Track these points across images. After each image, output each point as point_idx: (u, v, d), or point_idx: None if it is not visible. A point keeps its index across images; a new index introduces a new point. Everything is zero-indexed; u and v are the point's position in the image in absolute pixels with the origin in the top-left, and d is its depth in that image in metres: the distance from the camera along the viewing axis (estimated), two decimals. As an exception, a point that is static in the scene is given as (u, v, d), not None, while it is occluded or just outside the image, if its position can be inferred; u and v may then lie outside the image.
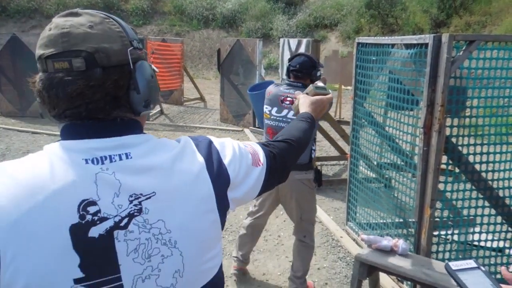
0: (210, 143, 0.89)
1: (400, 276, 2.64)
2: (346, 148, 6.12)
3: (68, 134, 0.76)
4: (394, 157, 3.15)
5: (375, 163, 3.47)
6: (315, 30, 17.03)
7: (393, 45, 3.07)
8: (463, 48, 2.50)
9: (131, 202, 0.74)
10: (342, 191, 4.93)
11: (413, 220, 2.81)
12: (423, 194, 2.64)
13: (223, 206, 0.85)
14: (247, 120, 8.33)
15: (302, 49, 4.92)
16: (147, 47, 8.86)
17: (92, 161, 0.73)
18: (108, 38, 0.75)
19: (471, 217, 2.75)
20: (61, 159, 0.72)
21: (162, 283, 0.77)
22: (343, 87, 9.22)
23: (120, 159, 0.75)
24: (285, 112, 2.65)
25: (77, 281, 0.69)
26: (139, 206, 0.74)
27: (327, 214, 4.25)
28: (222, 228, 0.87)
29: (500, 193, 2.78)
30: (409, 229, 2.89)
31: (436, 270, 2.39)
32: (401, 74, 2.98)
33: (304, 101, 1.30)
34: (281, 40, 5.72)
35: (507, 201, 2.80)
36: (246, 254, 2.99)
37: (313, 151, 2.75)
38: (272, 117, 2.70)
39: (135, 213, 0.74)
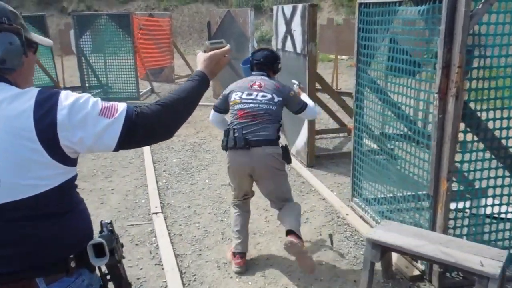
0: (56, 93, 1.11)
1: (416, 257, 2.44)
2: (346, 120, 5.88)
3: None
4: (403, 127, 2.90)
5: (381, 133, 3.21)
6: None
7: (400, 3, 2.77)
8: (482, 0, 2.22)
9: None
10: (344, 165, 4.70)
11: (425, 192, 2.59)
12: (439, 166, 2.40)
13: (47, 139, 1.05)
14: (242, 95, 8.02)
15: (297, 15, 4.59)
16: (134, 22, 8.43)
17: None
18: None
19: (490, 188, 2.53)
20: None
21: None
22: (339, 56, 8.88)
23: None
24: (254, 94, 2.75)
25: None
26: None
27: (330, 190, 4.03)
28: (62, 160, 1.09)
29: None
30: (422, 203, 2.67)
31: (456, 248, 2.18)
32: (410, 35, 2.69)
33: (199, 59, 1.37)
34: (275, 7, 5.36)
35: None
36: (243, 245, 2.86)
37: (280, 127, 2.81)
38: (243, 100, 2.75)
39: None
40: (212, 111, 2.95)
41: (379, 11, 2.99)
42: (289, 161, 2.80)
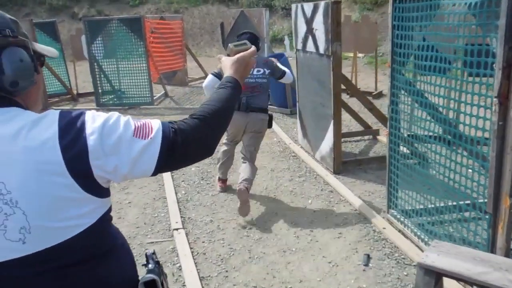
0: (80, 115, 0.95)
1: (478, 285, 2.16)
2: (370, 121, 5.60)
3: None
4: (446, 131, 2.62)
5: (421, 140, 2.93)
6: (319, -3, 16.15)
7: (443, -4, 2.49)
8: (548, -11, 1.93)
9: None
10: (373, 171, 4.42)
11: (470, 202, 2.32)
12: (499, 180, 2.12)
13: (78, 171, 0.89)
14: (258, 98, 7.78)
15: (319, 14, 4.32)
16: (145, 26, 8.25)
17: None
18: None
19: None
20: None
21: (10, 237, 0.88)
22: (358, 54, 8.57)
23: None
24: (253, 71, 3.61)
25: None
26: None
27: (361, 199, 3.76)
28: (97, 191, 0.93)
29: None
30: (479, 221, 2.39)
31: (524, 275, 1.89)
32: (456, 32, 2.41)
33: (225, 64, 1.26)
34: (293, 6, 5.09)
35: None
36: (225, 173, 4.14)
37: (269, 97, 3.91)
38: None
39: None
40: (211, 76, 3.59)
41: (418, 6, 2.71)
42: (270, 127, 3.83)
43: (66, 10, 17.73)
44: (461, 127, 2.55)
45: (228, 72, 1.23)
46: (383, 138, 5.37)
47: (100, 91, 8.29)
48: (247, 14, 7.53)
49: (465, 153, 2.53)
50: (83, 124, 0.92)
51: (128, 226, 3.53)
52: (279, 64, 3.87)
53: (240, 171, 3.74)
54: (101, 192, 0.96)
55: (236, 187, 3.68)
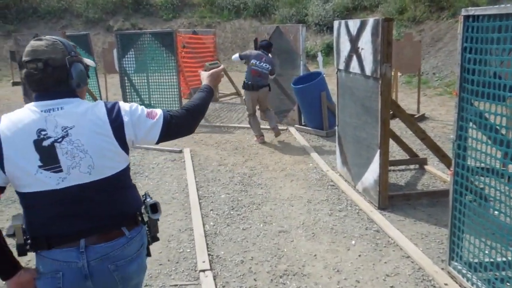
0: (116, 103, 1.58)
1: None
2: (415, 147, 5.12)
3: (35, 98, 1.51)
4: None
5: (495, 183, 2.46)
6: (353, 13, 15.73)
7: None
8: None
9: (62, 130, 1.46)
10: (423, 208, 3.93)
11: None
12: None
13: (119, 135, 1.52)
14: (291, 117, 7.39)
15: (367, 32, 3.92)
16: (177, 40, 8.06)
17: (45, 111, 1.47)
18: (54, 52, 1.49)
19: None
20: (30, 110, 1.48)
21: (82, 171, 1.48)
22: (398, 74, 8.08)
23: (58, 110, 1.48)
24: (261, 63, 6.05)
25: (39, 166, 1.43)
26: (66, 132, 1.47)
27: (414, 243, 3.28)
28: (126, 150, 1.56)
29: None
30: None
31: None
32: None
33: (203, 76, 1.90)
34: (336, 23, 4.71)
35: None
36: (258, 130, 6.36)
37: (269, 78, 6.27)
38: (257, 65, 6.07)
39: (64, 136, 1.46)
40: (237, 55, 6.54)
41: (497, 25, 2.28)
42: (269, 90, 6.29)
43: (101, 23, 18.01)
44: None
45: (205, 81, 1.87)
46: (431, 168, 4.87)
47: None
48: (282, 30, 7.20)
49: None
50: (119, 109, 1.55)
51: (150, 263, 3.16)
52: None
53: (264, 119, 6.95)
54: (127, 150, 1.58)
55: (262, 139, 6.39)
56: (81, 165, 1.46)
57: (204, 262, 3.11)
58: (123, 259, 1.55)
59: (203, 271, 3.00)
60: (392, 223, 3.63)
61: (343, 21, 4.56)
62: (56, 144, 1.44)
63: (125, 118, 1.52)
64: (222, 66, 1.94)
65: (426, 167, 4.92)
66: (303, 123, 7.16)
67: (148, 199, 1.67)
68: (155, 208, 1.64)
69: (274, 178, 4.88)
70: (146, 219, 1.66)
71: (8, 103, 10.42)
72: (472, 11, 2.48)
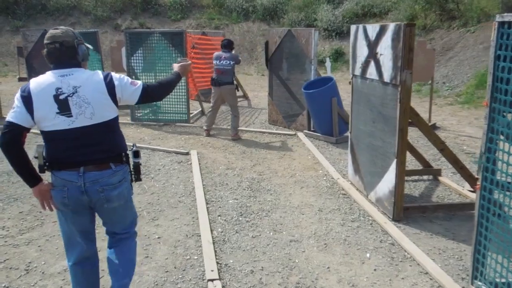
0: (109, 73, 2.31)
1: None
2: (427, 157, 4.97)
3: (53, 68, 2.21)
4: None
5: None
6: (363, 19, 15.62)
7: None
8: None
9: (73, 88, 2.15)
10: (439, 222, 3.78)
11: None
12: None
13: (111, 93, 2.23)
14: (300, 122, 7.25)
15: (387, 38, 3.80)
16: (187, 41, 7.95)
17: (60, 76, 2.17)
18: (67, 36, 2.21)
19: None
20: (50, 75, 2.19)
21: (86, 116, 2.16)
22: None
23: (69, 75, 2.18)
24: (222, 61, 6.54)
25: (56, 113, 2.13)
26: (75, 90, 2.15)
27: (431, 259, 3.13)
28: (116, 104, 2.27)
29: None
30: None
31: None
32: None
33: (174, 66, 2.66)
34: (353, 27, 4.59)
35: None
36: (210, 125, 6.95)
37: (234, 74, 6.80)
38: (218, 64, 6.56)
39: (74, 92, 2.15)
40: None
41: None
42: (237, 90, 6.92)
43: (109, 21, 17.95)
44: None
45: (175, 69, 2.62)
46: (446, 180, 4.72)
47: (135, 105, 7.99)
48: (294, 33, 7.08)
49: None
50: (111, 76, 2.27)
51: (155, 269, 3.05)
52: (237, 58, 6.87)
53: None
54: (117, 104, 2.28)
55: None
56: (85, 112, 2.15)
57: (212, 271, 2.96)
58: (108, 185, 2.23)
59: (212, 280, 2.86)
60: (407, 236, 3.48)
61: (361, 26, 4.44)
62: (69, 98, 2.14)
63: (116, 82, 2.24)
64: (189, 62, 2.70)
65: (440, 178, 4.77)
66: (312, 129, 7.02)
67: (134, 148, 2.40)
68: (137, 154, 2.39)
69: (283, 184, 4.74)
70: (132, 162, 2.39)
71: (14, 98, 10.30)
72: (508, 17, 2.34)
